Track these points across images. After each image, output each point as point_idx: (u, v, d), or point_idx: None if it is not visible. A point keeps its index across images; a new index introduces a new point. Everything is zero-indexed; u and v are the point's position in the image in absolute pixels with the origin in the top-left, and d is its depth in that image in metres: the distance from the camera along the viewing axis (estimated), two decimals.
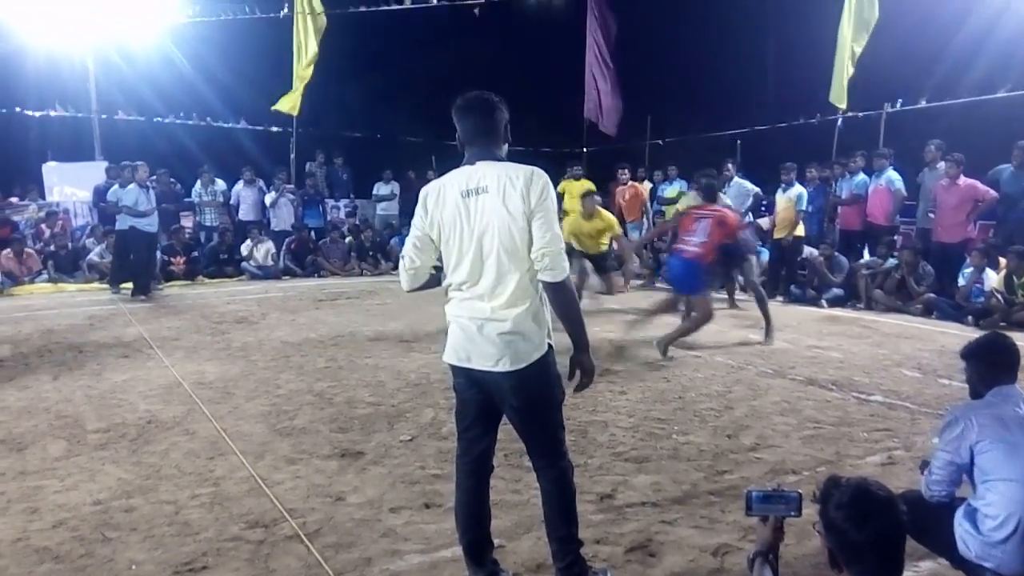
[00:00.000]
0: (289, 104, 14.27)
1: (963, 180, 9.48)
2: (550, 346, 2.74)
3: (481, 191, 2.67)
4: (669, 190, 13.64)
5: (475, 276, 2.70)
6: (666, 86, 17.76)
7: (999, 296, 8.57)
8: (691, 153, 13.99)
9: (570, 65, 15.98)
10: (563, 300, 2.70)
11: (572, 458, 2.95)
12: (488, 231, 2.66)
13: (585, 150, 15.77)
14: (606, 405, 5.44)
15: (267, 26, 13.59)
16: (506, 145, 2.82)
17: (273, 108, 14.34)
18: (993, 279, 8.82)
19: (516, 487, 3.91)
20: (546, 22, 16.44)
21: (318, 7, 13.77)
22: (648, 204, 13.45)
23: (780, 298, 10.50)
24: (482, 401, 2.83)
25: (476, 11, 13.19)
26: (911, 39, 12.56)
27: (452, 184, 2.74)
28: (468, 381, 2.81)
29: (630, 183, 13.45)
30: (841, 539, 1.95)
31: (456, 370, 2.83)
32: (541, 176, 2.68)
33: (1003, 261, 8.91)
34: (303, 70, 14.04)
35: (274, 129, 14.63)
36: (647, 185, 14.52)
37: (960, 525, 2.69)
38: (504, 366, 2.66)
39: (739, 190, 11.17)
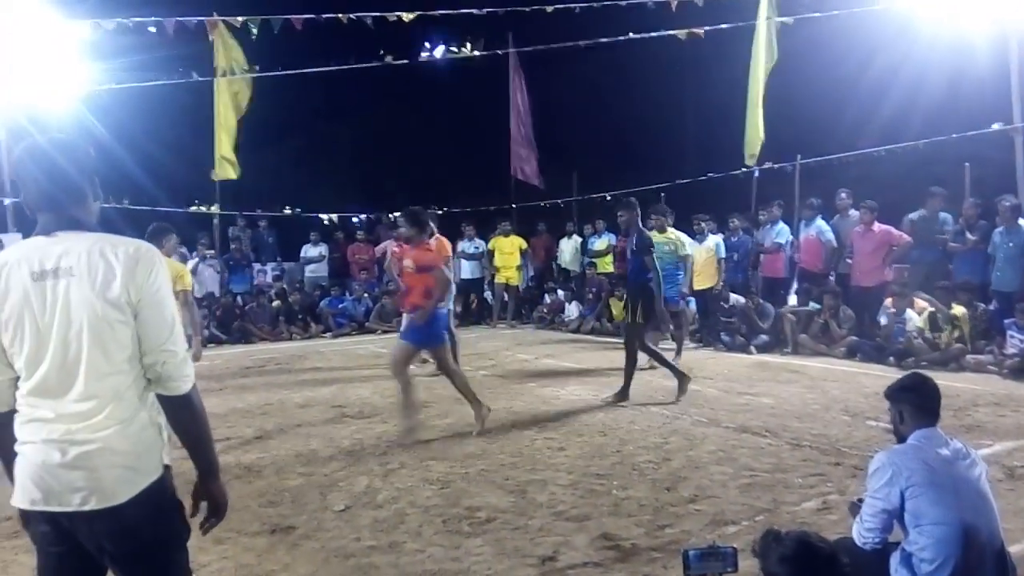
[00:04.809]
0: (224, 170, 13.90)
1: (877, 226, 9.88)
2: (167, 468, 2.08)
3: (62, 273, 1.96)
4: (598, 243, 13.89)
5: (55, 387, 1.98)
6: (590, 143, 18.20)
7: (924, 338, 8.74)
8: (617, 207, 14.29)
9: (495, 123, 16.24)
10: (187, 419, 2.11)
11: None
12: (74, 327, 1.96)
13: (514, 206, 15.91)
14: (545, 463, 5.38)
15: (185, 92, 13.33)
16: (98, 204, 2.15)
17: (216, 179, 13.97)
18: (916, 320, 9.01)
19: (456, 555, 3.80)
20: (469, 82, 16.73)
21: (239, 62, 13.37)
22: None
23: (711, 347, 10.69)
24: (75, 560, 2.03)
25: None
26: (817, 92, 13.20)
27: (20, 263, 1.99)
28: (55, 532, 2.01)
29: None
30: None
31: (31, 517, 2.03)
32: (151, 253, 2.03)
33: (919, 302, 9.18)
34: (231, 130, 13.74)
35: (198, 209, 14.21)
36: (576, 239, 14.74)
37: (896, 572, 2.71)
38: (95, 503, 1.94)
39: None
